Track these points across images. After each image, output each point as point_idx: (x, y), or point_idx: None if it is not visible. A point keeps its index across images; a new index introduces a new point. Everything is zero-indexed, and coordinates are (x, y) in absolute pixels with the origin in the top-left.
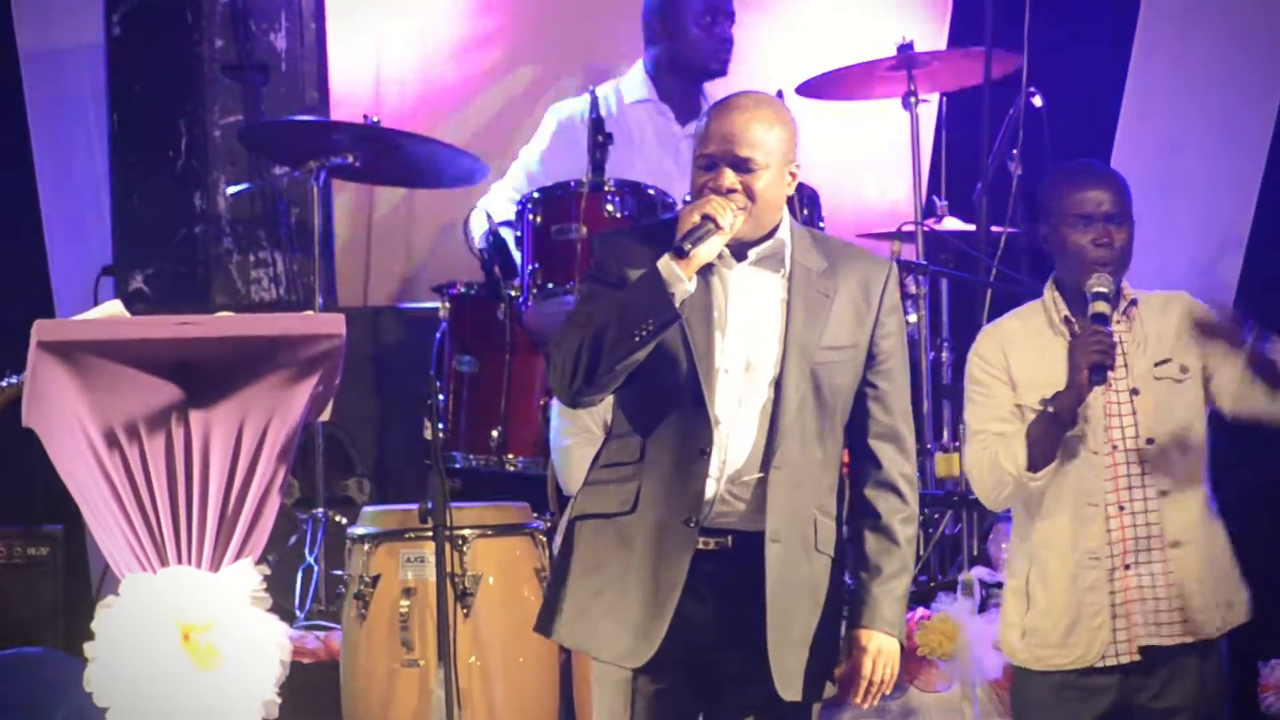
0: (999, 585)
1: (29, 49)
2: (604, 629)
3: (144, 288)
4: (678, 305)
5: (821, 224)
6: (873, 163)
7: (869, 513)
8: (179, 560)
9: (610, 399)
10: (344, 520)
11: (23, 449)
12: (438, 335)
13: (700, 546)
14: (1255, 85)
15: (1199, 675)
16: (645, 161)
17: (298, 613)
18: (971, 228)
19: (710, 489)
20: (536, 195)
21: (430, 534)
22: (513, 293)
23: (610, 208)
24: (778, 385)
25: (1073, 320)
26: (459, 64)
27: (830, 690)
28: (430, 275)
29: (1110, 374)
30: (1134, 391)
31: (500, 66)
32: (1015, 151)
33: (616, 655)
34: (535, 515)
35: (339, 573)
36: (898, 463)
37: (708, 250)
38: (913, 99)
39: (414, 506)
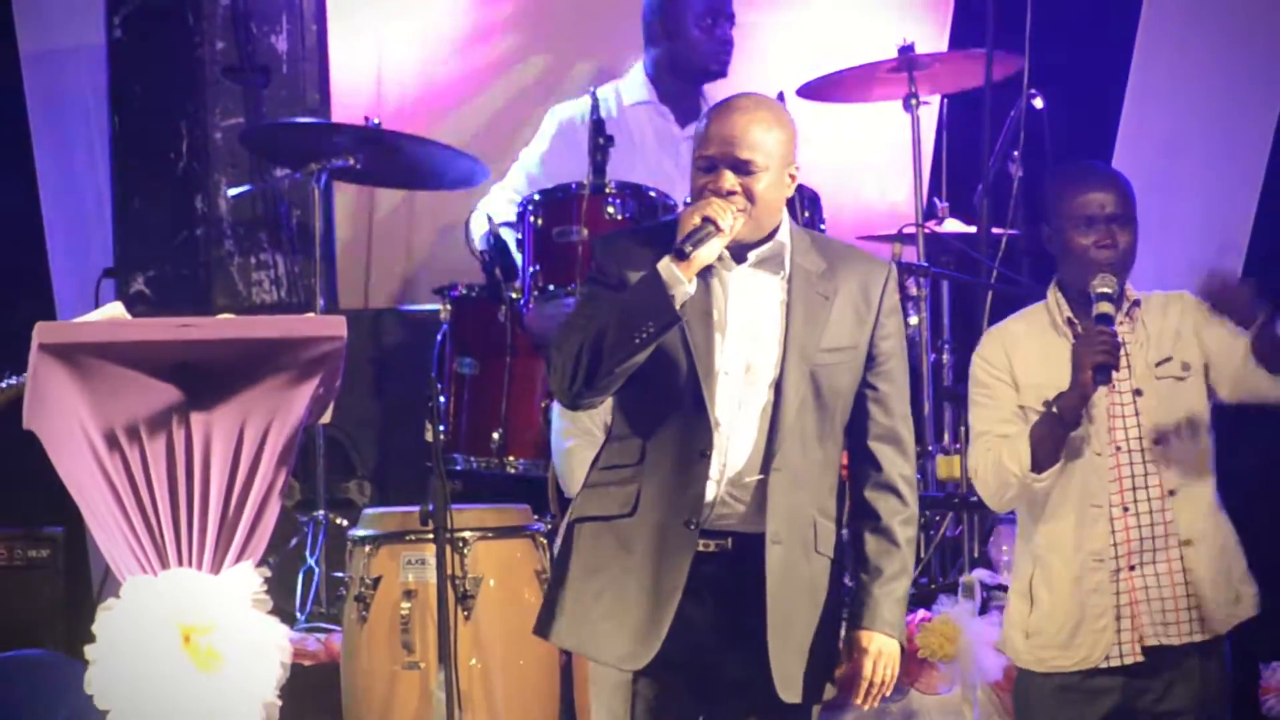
0: (1000, 587)
1: (30, 51)
2: (604, 631)
3: (145, 290)
4: (678, 307)
5: (822, 226)
6: (873, 164)
7: (869, 514)
8: (180, 562)
9: (610, 401)
10: (345, 522)
11: (24, 451)
12: (439, 337)
13: (700, 549)
14: (1256, 87)
15: (1201, 677)
16: (645, 163)
17: (298, 615)
18: (972, 230)
19: (710, 491)
20: (537, 197)
21: (431, 536)
22: (514, 295)
23: (611, 210)
24: (778, 387)
25: (1076, 321)
26: (460, 65)
27: (830, 692)
28: (431, 277)
29: (1113, 374)
30: (1137, 392)
31: (500, 68)
32: (1016, 153)
33: (617, 658)
34: (536, 517)
35: (340, 575)
36: (898, 464)
37: (708, 252)
38: (914, 101)
39: (415, 509)
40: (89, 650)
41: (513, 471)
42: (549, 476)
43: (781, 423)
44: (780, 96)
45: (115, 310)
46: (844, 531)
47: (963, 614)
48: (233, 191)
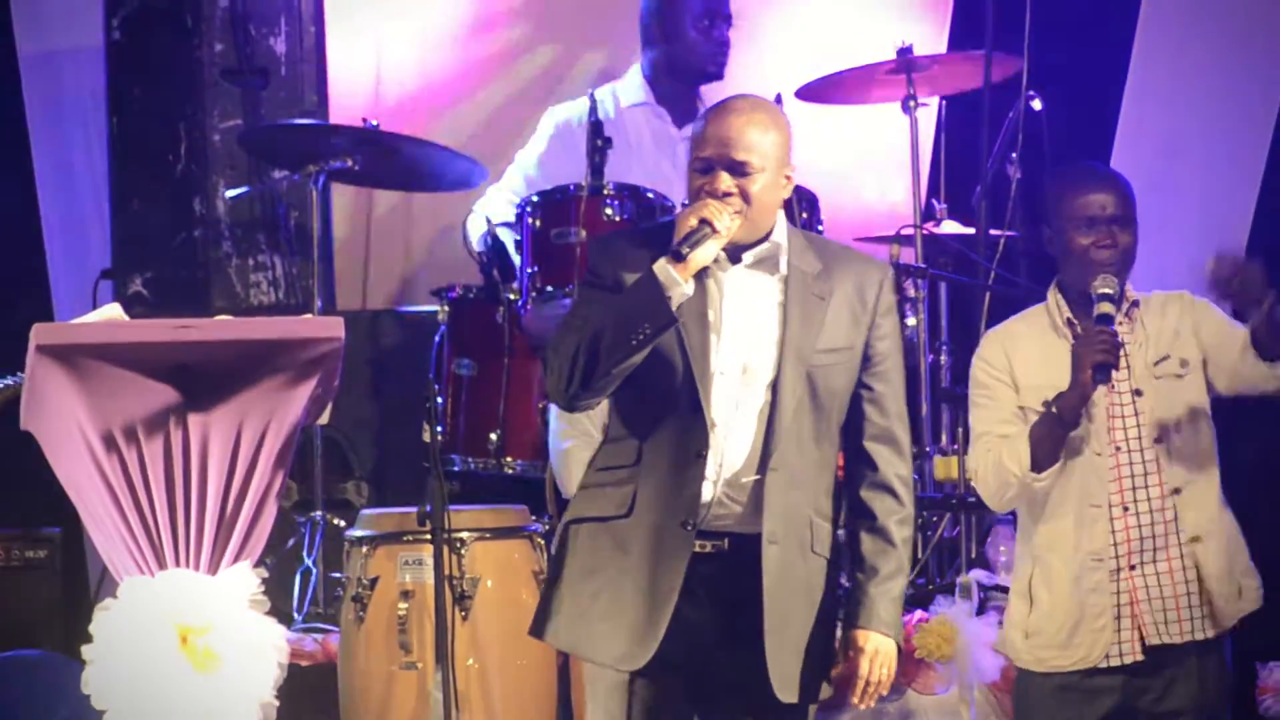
0: (997, 588)
1: (28, 53)
2: (601, 632)
3: (143, 291)
4: (675, 309)
5: (821, 227)
6: (872, 166)
7: (865, 514)
8: (177, 563)
9: (607, 402)
10: (342, 523)
11: (21, 452)
12: (436, 338)
13: (697, 549)
14: (1255, 89)
15: (1201, 677)
16: (643, 164)
17: (296, 615)
18: (971, 231)
19: (707, 492)
20: (536, 199)
21: (428, 537)
22: (512, 296)
23: (609, 211)
24: (774, 388)
25: (1075, 322)
26: (458, 66)
27: (827, 691)
28: (429, 278)
29: (1113, 374)
30: (1137, 392)
31: (499, 69)
32: (1014, 155)
33: (614, 658)
34: (534, 518)
35: (337, 575)
36: (894, 464)
37: (705, 254)
38: (912, 102)
39: (412, 509)
40: (86, 651)
41: (510, 472)
42: (546, 477)
43: (778, 423)
44: (778, 98)
45: (113, 311)
46: (840, 532)
47: (960, 615)
48: (231, 193)
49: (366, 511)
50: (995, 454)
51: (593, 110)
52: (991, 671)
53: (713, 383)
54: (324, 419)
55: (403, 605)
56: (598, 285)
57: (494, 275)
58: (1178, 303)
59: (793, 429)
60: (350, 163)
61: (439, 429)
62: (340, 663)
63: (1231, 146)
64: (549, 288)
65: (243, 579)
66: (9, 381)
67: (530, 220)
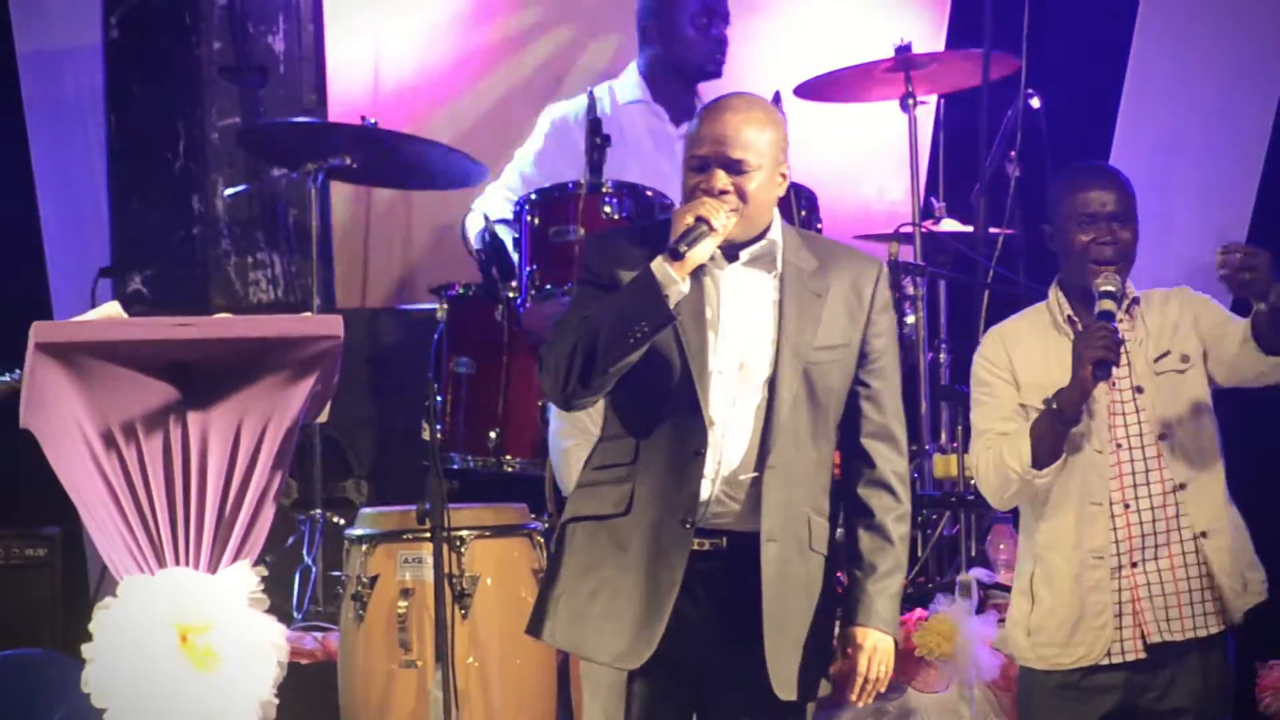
0: (997, 586)
1: (27, 51)
2: (600, 630)
3: (142, 289)
4: (672, 307)
5: (820, 225)
6: (870, 164)
7: (863, 511)
8: (177, 561)
9: (604, 401)
10: (341, 521)
11: (21, 450)
12: (435, 336)
13: (695, 547)
14: (1253, 86)
15: (1204, 674)
16: (640, 162)
17: (295, 614)
18: (969, 229)
19: (705, 490)
20: (534, 197)
21: (428, 535)
22: (511, 294)
23: (608, 209)
24: (771, 385)
25: (1076, 320)
26: (457, 64)
27: (825, 689)
28: (428, 276)
29: (1114, 371)
30: (1138, 389)
31: (498, 68)
32: (1013, 153)
33: (613, 657)
34: (533, 516)
35: (337, 574)
36: (891, 461)
37: (701, 252)
38: (911, 100)
39: (412, 508)
40: (86, 649)
41: (510, 470)
42: (546, 475)
43: (776, 421)
44: (777, 96)
45: (112, 309)
46: (838, 529)
47: (960, 613)
48: (229, 191)
49: (366, 510)
50: (996, 451)
51: (591, 108)
52: (991, 669)
53: (710, 380)
54: (323, 417)
55: (402, 603)
56: (594, 284)
57: (493, 273)
58: (1177, 298)
59: (790, 426)
60: (349, 161)
61: (438, 427)
62: (340, 661)
63: (1230, 144)
64: (548, 285)
65: (242, 577)
66: (7, 378)
67: (529, 218)
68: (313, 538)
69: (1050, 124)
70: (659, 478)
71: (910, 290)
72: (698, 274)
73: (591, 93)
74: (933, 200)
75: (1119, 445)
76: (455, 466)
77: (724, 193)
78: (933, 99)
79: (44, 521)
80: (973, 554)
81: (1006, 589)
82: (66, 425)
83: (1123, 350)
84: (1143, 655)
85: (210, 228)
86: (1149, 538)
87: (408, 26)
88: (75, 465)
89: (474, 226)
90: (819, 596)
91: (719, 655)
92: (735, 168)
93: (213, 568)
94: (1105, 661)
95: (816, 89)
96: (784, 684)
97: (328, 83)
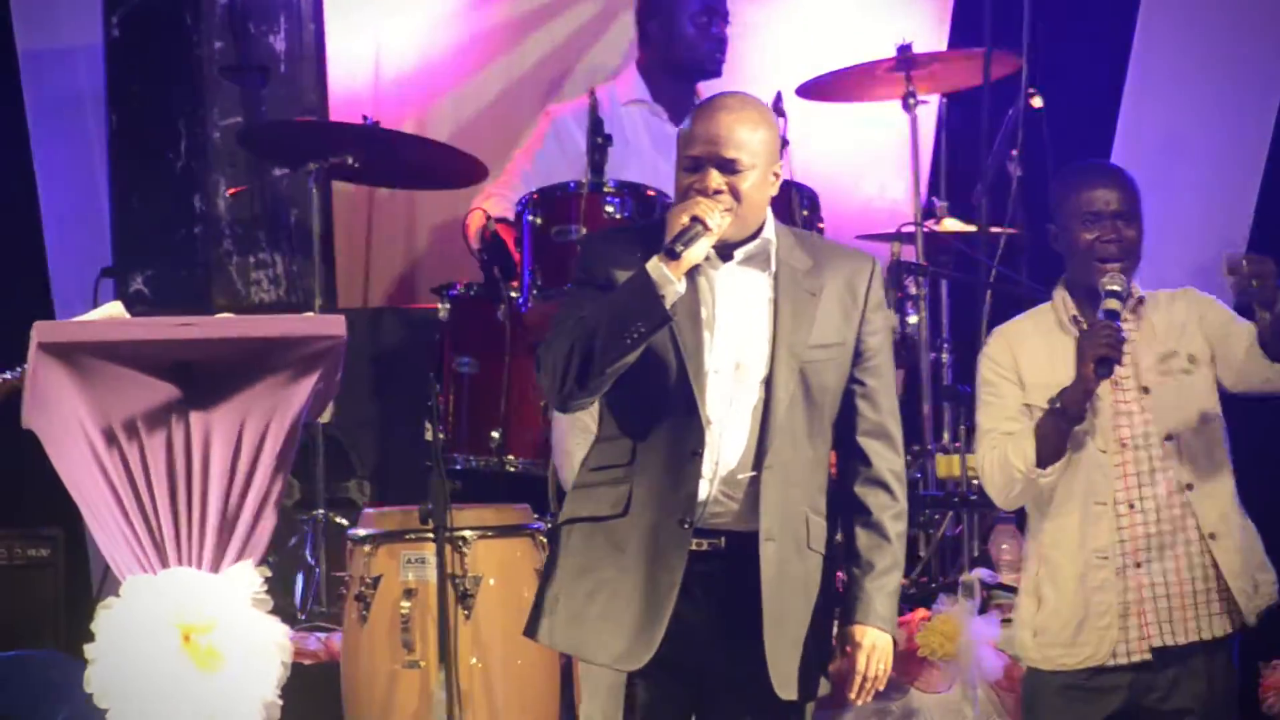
0: (1000, 587)
1: (28, 50)
2: (599, 632)
3: (144, 289)
4: (668, 307)
5: (821, 225)
6: (872, 164)
7: (859, 509)
8: (179, 561)
9: (600, 401)
10: (344, 521)
11: (23, 450)
12: (437, 336)
13: (694, 547)
14: (1254, 86)
15: (1209, 676)
16: (640, 161)
17: (299, 614)
18: (971, 229)
19: (703, 490)
20: (536, 196)
21: (431, 535)
22: (513, 293)
23: (610, 209)
24: (768, 384)
25: (1081, 319)
26: (457, 63)
27: (825, 687)
28: (430, 276)
29: (1119, 371)
30: (1144, 389)
31: (499, 57)
32: (1015, 152)
33: (612, 658)
34: (536, 516)
35: (340, 574)
36: (887, 459)
37: (697, 251)
38: (912, 100)
39: (414, 508)
40: (89, 649)
41: (512, 470)
42: (548, 475)
43: (772, 420)
44: (778, 96)
45: (114, 309)
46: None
47: (963, 613)
48: (231, 191)
49: (369, 510)
50: (1001, 451)
51: (593, 107)
52: (994, 670)
53: (707, 380)
54: (325, 417)
55: (405, 604)
56: (589, 284)
57: (494, 273)
58: (1184, 298)
59: (787, 425)
60: (350, 160)
61: (440, 427)
62: (343, 662)
63: (1232, 144)
64: (550, 285)
65: (245, 577)
66: (9, 375)
67: (530, 217)
68: (316, 538)
69: (1052, 123)
70: (656, 478)
71: (912, 290)
72: (693, 274)
73: (593, 92)
74: (934, 200)
75: (1124, 445)
76: (458, 466)
77: (718, 192)
78: (934, 98)
79: (46, 522)
80: (975, 554)
81: (1009, 589)
82: (69, 425)
83: (1128, 350)
84: (1148, 656)
85: (212, 227)
86: (1154, 538)
87: (408, 23)
88: (78, 465)
89: (476, 226)
90: (818, 595)
91: (718, 655)
92: (729, 167)
93: (216, 567)
94: (1111, 662)
95: (818, 89)
96: (784, 683)
97: (329, 82)
